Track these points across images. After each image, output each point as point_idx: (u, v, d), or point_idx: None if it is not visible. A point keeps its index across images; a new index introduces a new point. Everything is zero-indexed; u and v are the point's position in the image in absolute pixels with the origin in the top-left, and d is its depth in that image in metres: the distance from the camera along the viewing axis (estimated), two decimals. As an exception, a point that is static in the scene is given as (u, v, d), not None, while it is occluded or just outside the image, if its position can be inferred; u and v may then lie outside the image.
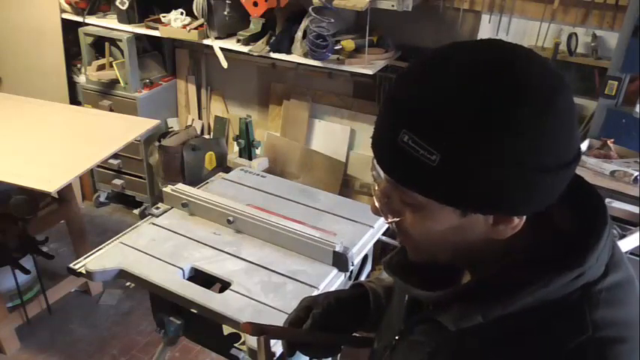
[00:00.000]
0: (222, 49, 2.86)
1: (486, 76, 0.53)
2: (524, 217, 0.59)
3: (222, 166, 3.05)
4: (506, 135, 0.52)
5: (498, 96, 0.53)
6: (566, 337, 0.58)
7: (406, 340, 0.73)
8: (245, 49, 2.76)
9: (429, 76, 0.56)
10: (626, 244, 1.91)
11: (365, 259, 1.87)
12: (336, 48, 2.58)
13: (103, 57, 3.22)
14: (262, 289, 1.57)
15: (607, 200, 2.02)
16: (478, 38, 0.55)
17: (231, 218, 1.80)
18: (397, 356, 0.75)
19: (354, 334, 0.93)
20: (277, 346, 1.40)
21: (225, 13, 2.79)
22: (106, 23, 3.11)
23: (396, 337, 0.75)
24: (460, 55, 0.56)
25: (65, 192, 2.56)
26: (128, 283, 2.85)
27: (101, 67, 3.21)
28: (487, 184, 0.55)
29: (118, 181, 3.42)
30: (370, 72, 2.56)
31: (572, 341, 0.57)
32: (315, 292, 1.56)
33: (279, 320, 1.44)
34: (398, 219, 0.64)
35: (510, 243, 0.62)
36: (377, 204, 0.66)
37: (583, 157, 2.16)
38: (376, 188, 0.66)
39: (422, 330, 0.70)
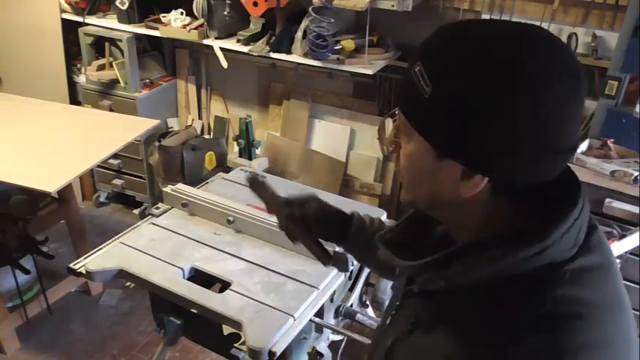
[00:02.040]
0: (222, 49, 2.86)
1: (487, 48, 0.58)
2: (486, 180, 0.61)
3: (222, 166, 3.05)
4: (488, 98, 0.57)
5: (490, 72, 0.57)
6: (521, 311, 0.60)
7: (399, 314, 0.80)
8: (245, 49, 2.76)
9: (447, 30, 0.63)
10: (626, 244, 1.90)
11: (365, 259, 1.87)
12: (336, 48, 2.58)
13: (103, 57, 3.22)
14: (262, 289, 1.57)
15: (607, 200, 2.02)
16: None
17: (231, 218, 1.80)
18: (391, 329, 0.80)
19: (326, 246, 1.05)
20: (276, 346, 1.40)
21: (225, 13, 2.79)
22: (106, 23, 3.11)
23: (393, 312, 0.82)
24: (479, 22, 0.64)
25: (65, 192, 2.56)
26: (128, 283, 2.85)
27: (101, 67, 3.21)
28: (461, 132, 0.59)
29: (118, 181, 3.42)
30: (370, 72, 2.56)
31: (528, 315, 0.59)
32: (315, 292, 1.56)
33: (278, 320, 1.45)
34: (394, 147, 0.72)
35: (491, 216, 0.65)
36: (384, 138, 0.72)
37: (583, 157, 2.16)
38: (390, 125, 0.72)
39: (410, 303, 0.77)
